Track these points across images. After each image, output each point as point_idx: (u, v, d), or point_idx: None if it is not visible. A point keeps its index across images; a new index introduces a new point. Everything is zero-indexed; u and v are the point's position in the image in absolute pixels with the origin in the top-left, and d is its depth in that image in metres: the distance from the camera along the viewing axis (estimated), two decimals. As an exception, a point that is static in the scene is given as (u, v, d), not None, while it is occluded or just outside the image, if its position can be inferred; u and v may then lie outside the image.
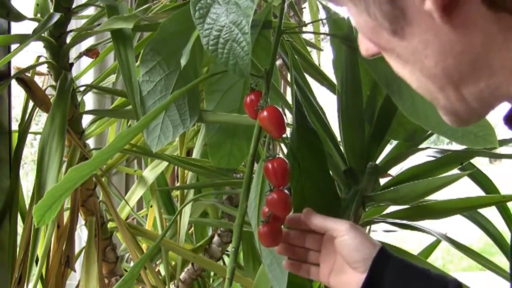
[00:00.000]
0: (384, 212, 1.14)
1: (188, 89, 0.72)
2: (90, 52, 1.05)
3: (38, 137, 0.91)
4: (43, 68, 1.04)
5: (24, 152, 0.97)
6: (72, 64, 1.00)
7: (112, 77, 1.15)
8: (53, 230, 0.92)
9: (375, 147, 0.95)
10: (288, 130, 0.76)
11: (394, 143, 1.04)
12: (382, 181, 0.97)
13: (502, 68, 0.39)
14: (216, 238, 1.25)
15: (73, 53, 1.05)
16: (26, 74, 0.97)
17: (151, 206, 1.26)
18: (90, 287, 0.96)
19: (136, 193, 1.20)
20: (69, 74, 0.98)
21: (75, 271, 1.00)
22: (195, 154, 1.15)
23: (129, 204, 1.18)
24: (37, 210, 0.63)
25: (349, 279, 0.68)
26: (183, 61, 0.66)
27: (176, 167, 1.34)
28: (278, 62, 1.22)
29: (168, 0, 1.05)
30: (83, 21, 1.13)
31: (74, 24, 1.20)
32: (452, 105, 0.43)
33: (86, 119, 1.07)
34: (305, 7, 1.92)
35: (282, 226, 0.70)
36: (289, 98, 0.87)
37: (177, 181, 1.34)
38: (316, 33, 1.70)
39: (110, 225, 1.13)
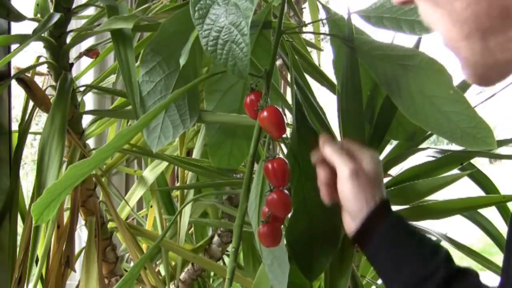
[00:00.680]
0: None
1: (188, 89, 0.72)
2: (90, 52, 1.05)
3: (38, 137, 0.91)
4: (43, 68, 1.04)
5: (24, 152, 0.97)
6: (72, 64, 1.00)
7: (112, 77, 1.15)
8: (53, 230, 0.92)
9: (375, 147, 0.95)
10: (288, 130, 0.76)
11: (394, 143, 1.04)
12: (382, 181, 0.97)
13: None
14: (216, 238, 1.25)
15: (73, 53, 1.05)
16: (26, 74, 0.97)
17: (151, 206, 1.26)
18: (90, 287, 0.96)
19: (136, 193, 1.20)
20: (69, 74, 0.98)
21: (75, 271, 1.00)
22: (195, 154, 1.15)
23: (129, 204, 1.18)
24: (35, 207, 0.63)
25: (345, 219, 0.70)
26: (182, 61, 0.66)
27: (176, 167, 1.34)
28: (278, 62, 1.22)
29: (168, 0, 1.05)
30: (83, 21, 1.13)
31: (74, 24, 1.20)
32: (474, 57, 0.42)
33: (86, 119, 1.07)
34: (305, 7, 1.92)
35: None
36: (289, 98, 0.87)
37: (177, 181, 1.34)
38: (316, 33, 1.70)
39: (110, 225, 1.13)
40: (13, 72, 0.95)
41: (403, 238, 0.66)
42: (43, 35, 0.94)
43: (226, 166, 0.90)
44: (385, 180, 0.99)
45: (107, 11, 0.88)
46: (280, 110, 0.66)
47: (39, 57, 1.00)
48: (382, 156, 1.00)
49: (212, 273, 1.41)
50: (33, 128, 1.02)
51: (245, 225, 0.72)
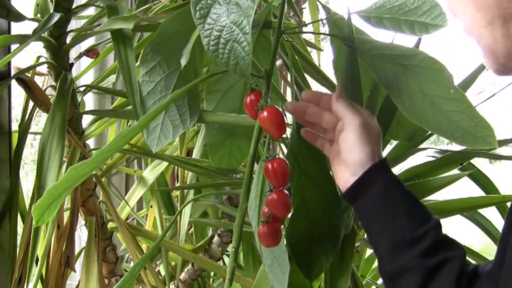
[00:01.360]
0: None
1: (188, 89, 0.72)
2: (90, 52, 1.05)
3: (38, 137, 0.91)
4: (43, 69, 1.04)
5: (24, 152, 0.97)
6: (72, 64, 1.00)
7: (112, 78, 1.15)
8: (53, 230, 0.92)
9: (375, 147, 0.95)
10: (288, 130, 0.76)
11: (394, 143, 1.04)
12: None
13: None
14: (216, 238, 1.25)
15: (73, 53, 1.05)
16: (26, 74, 0.97)
17: (151, 206, 1.26)
18: (90, 287, 0.96)
19: (136, 193, 1.20)
20: (69, 74, 0.98)
21: (75, 271, 1.00)
22: (195, 154, 1.15)
23: (129, 205, 1.18)
24: (36, 208, 0.63)
25: (339, 173, 0.70)
26: (183, 61, 0.66)
27: (176, 167, 1.34)
28: (278, 62, 1.22)
29: (168, 0, 1.05)
30: (83, 21, 1.13)
31: (74, 24, 1.20)
32: (496, 44, 0.43)
33: (86, 119, 1.07)
34: (305, 7, 1.92)
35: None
36: (289, 98, 0.87)
37: (177, 182, 1.34)
38: (316, 33, 1.70)
39: (110, 225, 1.13)
40: (13, 72, 0.95)
41: (398, 198, 0.66)
42: (43, 35, 0.94)
43: (226, 166, 0.90)
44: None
45: (107, 11, 0.88)
46: (280, 110, 0.66)
47: (39, 57, 1.00)
48: (382, 156, 1.00)
49: (212, 273, 1.41)
50: (33, 128, 1.02)
51: (245, 225, 0.72)
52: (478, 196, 1.02)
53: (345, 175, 0.69)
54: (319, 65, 1.54)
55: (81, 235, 1.33)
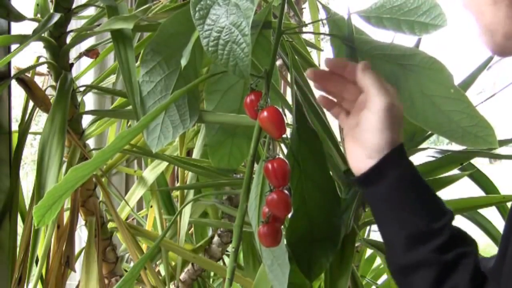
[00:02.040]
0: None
1: (188, 89, 0.72)
2: (90, 52, 1.05)
3: (38, 137, 0.91)
4: (43, 69, 1.04)
5: (24, 152, 0.97)
6: (72, 65, 1.00)
7: (112, 78, 1.15)
8: (53, 231, 0.92)
9: (375, 147, 0.95)
10: (288, 131, 0.76)
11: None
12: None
13: None
14: (216, 239, 1.25)
15: (73, 53, 1.05)
16: (26, 74, 0.97)
17: (151, 207, 1.26)
18: (90, 287, 0.96)
19: (136, 193, 1.20)
20: (69, 75, 0.98)
21: (75, 271, 1.00)
22: (195, 154, 1.15)
23: (129, 205, 1.18)
24: (37, 210, 0.63)
25: (353, 151, 0.66)
26: (183, 62, 0.66)
27: (176, 167, 1.34)
28: (278, 62, 1.22)
29: (168, 0, 1.05)
30: (83, 21, 1.13)
31: (74, 24, 1.20)
32: (496, 24, 0.42)
33: (86, 120, 1.07)
34: (305, 7, 1.92)
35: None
36: (289, 98, 0.87)
37: (177, 182, 1.34)
38: (316, 33, 1.70)
39: (110, 225, 1.13)
40: (13, 72, 0.95)
41: (416, 189, 0.63)
42: (43, 35, 0.94)
43: (226, 166, 0.90)
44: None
45: (107, 11, 0.88)
46: (280, 110, 0.66)
47: (39, 57, 1.00)
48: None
49: (212, 273, 1.41)
50: (33, 128, 1.02)
51: (245, 225, 0.72)
52: (478, 196, 1.02)
53: (359, 156, 0.65)
54: (319, 65, 1.54)
55: (81, 235, 1.33)
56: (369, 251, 1.61)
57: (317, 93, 0.96)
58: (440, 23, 0.65)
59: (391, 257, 0.65)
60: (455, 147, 0.90)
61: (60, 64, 0.98)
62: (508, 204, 1.12)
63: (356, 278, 0.99)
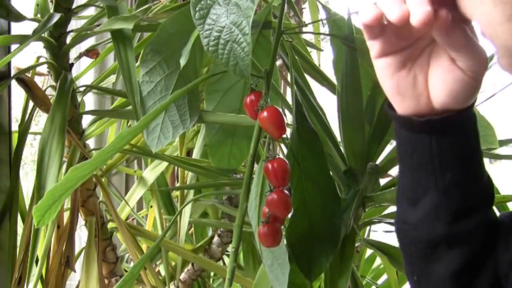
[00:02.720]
0: (384, 212, 1.14)
1: (188, 89, 0.72)
2: (90, 52, 1.05)
3: (38, 137, 0.91)
4: (43, 69, 1.04)
5: (24, 152, 0.97)
6: (72, 65, 1.00)
7: (112, 78, 1.15)
8: (53, 231, 0.92)
9: (375, 147, 0.95)
10: (288, 131, 0.76)
11: (394, 143, 1.04)
12: (382, 181, 0.97)
13: None
14: (216, 239, 1.25)
15: (73, 53, 1.05)
16: (26, 74, 0.97)
17: (151, 207, 1.26)
18: (90, 287, 0.96)
19: (136, 193, 1.20)
20: (69, 75, 0.98)
21: (75, 271, 1.00)
22: (195, 154, 1.15)
23: (129, 205, 1.18)
24: (37, 210, 0.63)
25: (451, 76, 0.50)
26: (182, 61, 0.66)
27: (176, 167, 1.34)
28: (278, 62, 1.22)
29: (168, 0, 1.05)
30: (83, 21, 1.13)
31: (74, 24, 1.20)
32: None
33: (86, 120, 1.07)
34: (305, 7, 1.92)
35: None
36: (289, 98, 0.87)
37: (177, 182, 1.34)
38: (316, 33, 1.70)
39: (110, 225, 1.13)
40: (13, 72, 0.95)
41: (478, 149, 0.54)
42: (43, 35, 0.94)
43: (226, 166, 0.90)
44: (385, 180, 0.99)
45: (107, 11, 0.88)
46: (280, 110, 0.66)
47: (39, 57, 1.00)
48: (382, 156, 1.00)
49: (212, 273, 1.41)
50: (33, 128, 1.02)
51: (245, 225, 0.72)
52: (478, 196, 1.01)
53: (464, 79, 0.50)
54: (319, 65, 1.54)
55: (81, 235, 1.33)
56: (369, 251, 1.61)
57: (317, 93, 0.96)
58: (440, 23, 0.65)
59: (424, 226, 0.54)
60: (455, 147, 0.90)
61: (60, 64, 0.98)
62: (508, 204, 1.12)
63: (356, 278, 0.99)
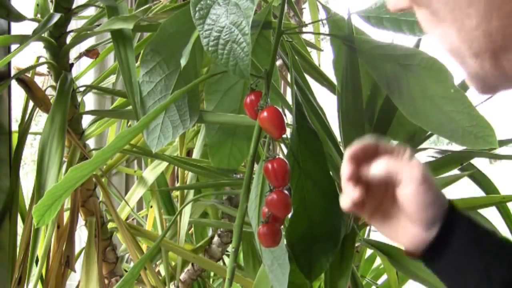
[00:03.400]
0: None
1: (188, 89, 0.72)
2: (90, 52, 1.05)
3: (38, 137, 0.91)
4: (43, 69, 1.04)
5: (24, 153, 0.97)
6: (72, 65, 1.00)
7: (112, 78, 1.15)
8: (53, 231, 0.92)
9: (375, 147, 0.95)
10: (288, 131, 0.76)
11: (394, 143, 1.04)
12: (382, 181, 0.97)
13: None
14: (216, 239, 1.25)
15: (73, 53, 1.05)
16: (26, 74, 0.97)
17: (151, 207, 1.26)
18: (90, 287, 0.96)
19: (136, 193, 1.20)
20: (69, 75, 0.97)
21: (75, 271, 1.00)
22: (195, 154, 1.15)
23: (129, 205, 1.18)
24: (36, 210, 0.63)
25: (403, 231, 0.59)
26: (183, 62, 0.66)
27: (176, 167, 1.34)
28: (278, 62, 1.22)
29: (168, 0, 1.05)
30: (83, 21, 1.13)
31: (74, 24, 1.20)
32: (484, 73, 0.39)
33: (86, 120, 1.07)
34: (305, 8, 1.92)
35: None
36: (289, 98, 0.87)
37: (177, 182, 1.34)
38: (316, 33, 1.70)
39: (110, 225, 1.12)
40: (13, 72, 0.95)
41: (485, 240, 0.56)
42: (43, 35, 0.94)
43: (226, 166, 0.90)
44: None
45: (107, 11, 0.88)
46: (280, 110, 0.66)
47: (39, 57, 1.00)
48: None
49: (212, 273, 1.41)
50: (33, 128, 1.02)
51: (245, 225, 0.72)
52: (478, 196, 1.02)
53: (412, 231, 0.58)
54: (319, 65, 1.54)
55: (81, 235, 1.33)
56: (369, 251, 1.61)
57: (317, 93, 0.96)
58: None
59: None
60: (455, 147, 0.90)
61: (60, 64, 0.98)
62: (508, 204, 1.12)
63: (356, 278, 0.99)
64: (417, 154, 1.04)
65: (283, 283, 0.69)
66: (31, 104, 0.98)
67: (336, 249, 0.81)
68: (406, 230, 0.59)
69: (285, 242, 0.75)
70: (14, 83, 0.95)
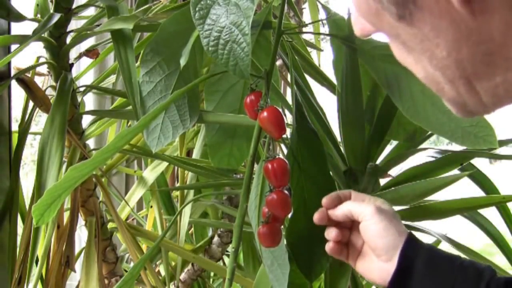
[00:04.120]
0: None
1: (188, 89, 0.72)
2: (90, 52, 1.05)
3: (38, 137, 0.91)
4: (43, 69, 1.04)
5: (24, 153, 0.97)
6: (72, 65, 1.00)
7: (112, 78, 1.15)
8: (53, 231, 0.92)
9: (375, 147, 0.95)
10: (288, 131, 0.76)
11: (394, 143, 1.04)
12: (382, 181, 0.97)
13: None
14: (216, 239, 1.25)
15: (73, 53, 1.05)
16: (26, 74, 0.97)
17: (151, 207, 1.26)
18: (90, 287, 0.96)
19: (136, 193, 1.20)
20: (69, 75, 0.97)
21: (75, 271, 1.00)
22: (195, 154, 1.15)
23: (129, 205, 1.18)
24: (36, 209, 0.63)
25: (372, 266, 0.66)
26: (182, 62, 0.66)
27: (176, 167, 1.34)
28: (278, 62, 1.22)
29: (168, 0, 1.05)
30: (83, 21, 1.13)
31: (74, 24, 1.19)
32: (461, 98, 0.39)
33: (86, 120, 1.07)
34: (305, 8, 1.92)
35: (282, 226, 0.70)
36: (289, 98, 0.87)
37: (177, 182, 1.34)
38: (316, 33, 1.70)
39: (110, 225, 1.13)
40: (13, 72, 0.95)
41: (446, 265, 0.62)
42: (43, 35, 0.94)
43: (226, 166, 0.90)
44: (385, 180, 0.99)
45: (107, 11, 0.88)
46: (280, 110, 0.66)
47: (39, 57, 1.00)
48: (382, 156, 1.00)
49: (212, 273, 1.41)
50: (33, 128, 1.02)
51: (245, 225, 0.72)
52: (478, 196, 1.02)
53: (375, 264, 0.65)
54: (319, 65, 1.54)
55: (81, 235, 1.33)
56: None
57: (317, 93, 0.96)
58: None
59: None
60: (455, 147, 0.90)
61: (60, 64, 0.98)
62: (508, 204, 1.12)
63: (356, 278, 0.99)
64: (417, 154, 1.04)
65: (283, 283, 0.69)
66: (31, 104, 0.98)
67: (336, 249, 0.81)
68: (374, 265, 0.66)
69: (285, 242, 0.75)
70: (14, 83, 0.95)
